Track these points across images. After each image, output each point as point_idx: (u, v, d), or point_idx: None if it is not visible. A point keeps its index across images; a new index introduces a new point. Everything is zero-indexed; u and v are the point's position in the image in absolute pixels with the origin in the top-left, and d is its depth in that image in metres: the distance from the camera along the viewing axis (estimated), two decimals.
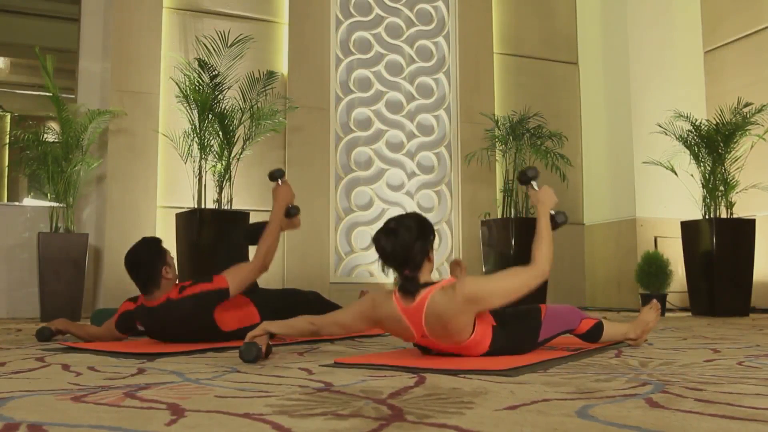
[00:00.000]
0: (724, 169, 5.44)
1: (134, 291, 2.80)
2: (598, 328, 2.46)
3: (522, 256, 5.78)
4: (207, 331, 2.74)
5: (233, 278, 2.71)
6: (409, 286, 2.06)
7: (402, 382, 1.66)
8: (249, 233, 3.29)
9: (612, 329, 2.51)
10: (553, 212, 2.32)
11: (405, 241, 2.06)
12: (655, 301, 2.73)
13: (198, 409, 1.30)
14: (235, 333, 2.79)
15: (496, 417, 1.21)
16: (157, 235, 5.32)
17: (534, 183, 2.34)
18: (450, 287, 2.03)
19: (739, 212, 5.51)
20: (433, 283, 2.09)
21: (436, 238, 5.59)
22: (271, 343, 2.23)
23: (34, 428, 1.12)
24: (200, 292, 2.67)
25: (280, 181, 2.92)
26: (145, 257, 2.69)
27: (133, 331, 2.85)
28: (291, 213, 3.00)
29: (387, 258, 2.09)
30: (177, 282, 2.82)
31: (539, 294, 5.41)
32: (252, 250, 2.99)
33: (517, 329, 2.23)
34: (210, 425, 1.16)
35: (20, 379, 1.76)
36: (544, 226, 2.26)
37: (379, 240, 2.09)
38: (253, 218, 5.00)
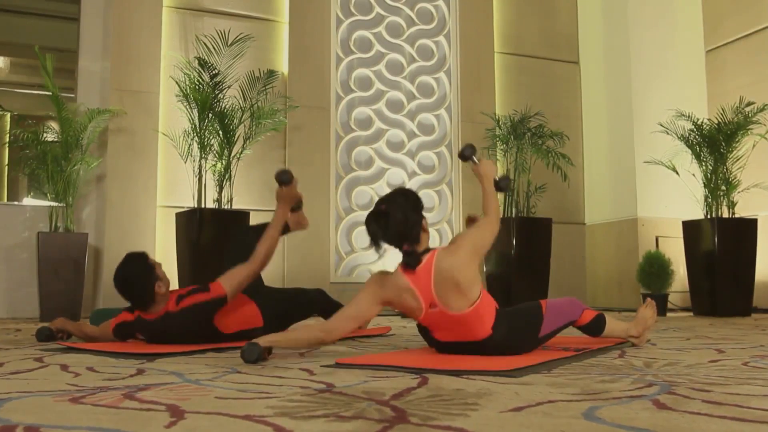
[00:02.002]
0: (726, 169, 5.43)
1: None
2: (600, 320, 2.46)
3: (523, 256, 5.78)
4: (208, 336, 2.72)
5: (230, 283, 2.67)
6: (411, 260, 2.13)
7: (404, 382, 1.64)
8: (259, 232, 3.24)
9: (614, 324, 2.51)
10: (496, 178, 2.48)
11: (398, 220, 2.14)
12: (649, 299, 2.74)
13: (198, 410, 1.28)
14: (237, 335, 2.77)
15: (502, 419, 1.19)
16: (157, 235, 5.35)
17: (474, 158, 2.49)
18: (451, 243, 2.21)
19: (740, 212, 5.49)
20: (433, 248, 2.19)
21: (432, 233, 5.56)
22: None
23: (30, 430, 1.10)
24: (198, 303, 2.63)
25: (284, 186, 2.85)
26: (135, 278, 2.61)
27: (131, 338, 2.82)
28: (294, 208, 2.97)
29: (383, 240, 2.14)
30: (170, 290, 2.76)
31: (541, 294, 5.40)
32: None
33: (519, 323, 2.23)
34: (210, 427, 1.14)
35: (18, 380, 1.74)
36: (489, 190, 2.44)
37: (371, 224, 2.17)
38: (253, 218, 4.98)
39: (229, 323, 2.76)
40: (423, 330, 2.27)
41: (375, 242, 2.17)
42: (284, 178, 2.81)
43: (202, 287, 2.69)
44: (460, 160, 2.56)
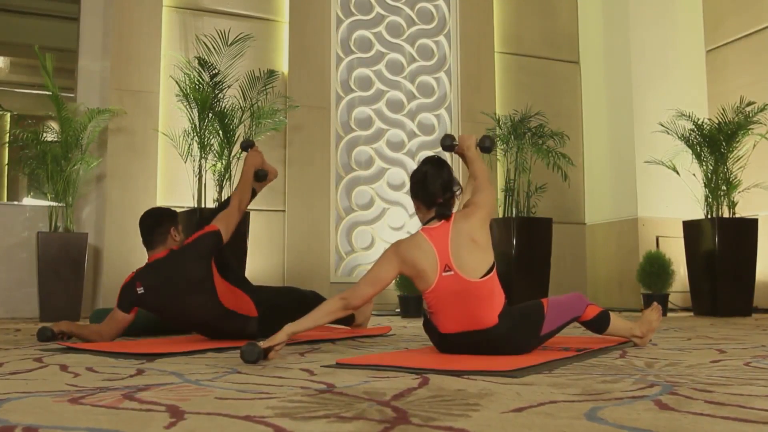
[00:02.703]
0: (727, 169, 5.42)
1: None
2: (604, 316, 2.46)
3: (523, 256, 5.77)
4: (206, 294, 2.78)
5: (219, 222, 2.94)
6: (446, 210, 2.27)
7: (405, 383, 1.63)
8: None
9: (618, 322, 2.51)
10: (477, 143, 2.55)
11: (450, 173, 2.36)
12: (656, 303, 2.74)
13: (198, 411, 1.28)
14: (233, 314, 2.85)
15: (503, 419, 1.19)
16: None
17: (455, 144, 2.58)
18: (465, 206, 2.36)
19: (741, 212, 5.48)
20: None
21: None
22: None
23: (29, 431, 1.10)
24: (196, 238, 2.87)
25: (249, 150, 3.31)
26: (158, 214, 2.97)
27: (133, 303, 2.82)
28: (260, 176, 3.31)
29: (435, 186, 2.29)
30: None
31: (541, 293, 5.39)
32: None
33: (522, 320, 2.25)
34: (210, 428, 1.13)
35: (17, 380, 1.73)
36: (474, 156, 2.53)
37: (427, 170, 2.33)
38: (253, 218, 4.99)
39: (226, 294, 2.87)
40: (428, 324, 2.28)
41: (428, 188, 2.29)
42: (246, 144, 3.33)
43: (196, 232, 2.95)
44: (444, 151, 2.61)
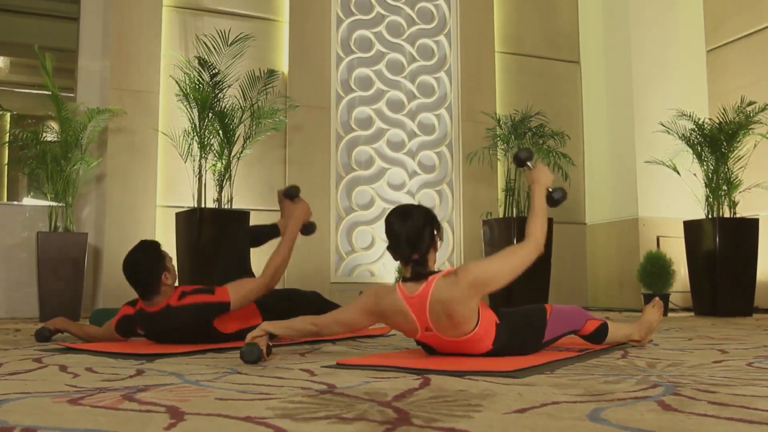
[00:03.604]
0: (727, 169, 5.41)
1: (134, 292, 2.76)
2: (603, 329, 2.42)
3: None
4: (207, 336, 2.71)
5: (236, 293, 2.64)
6: (419, 269, 2.07)
7: (406, 383, 1.62)
8: (253, 235, 3.23)
9: (616, 331, 2.47)
10: (550, 189, 2.26)
11: (417, 225, 2.10)
12: (657, 299, 2.70)
13: (198, 412, 1.27)
14: (237, 334, 2.75)
15: (506, 421, 1.18)
16: (157, 235, 5.33)
17: (529, 164, 2.31)
18: (453, 273, 2.05)
19: (742, 212, 5.48)
20: (437, 271, 2.10)
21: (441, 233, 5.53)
22: (271, 344, 2.19)
23: None
24: (200, 303, 2.61)
25: (295, 200, 2.91)
26: (144, 263, 2.62)
27: (132, 335, 2.82)
28: (309, 230, 2.98)
29: (399, 240, 2.10)
30: (177, 285, 2.78)
31: (541, 294, 5.38)
32: (258, 263, 2.94)
33: (521, 328, 2.19)
34: (210, 429, 1.12)
35: (16, 381, 1.73)
36: (538, 202, 2.22)
37: (392, 222, 2.13)
38: (254, 218, 4.97)
39: (228, 322, 2.75)
40: (421, 344, 2.24)
41: (393, 243, 2.12)
42: (293, 192, 2.86)
43: (208, 288, 2.66)
44: (515, 165, 2.36)
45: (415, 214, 2.12)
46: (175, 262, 4.95)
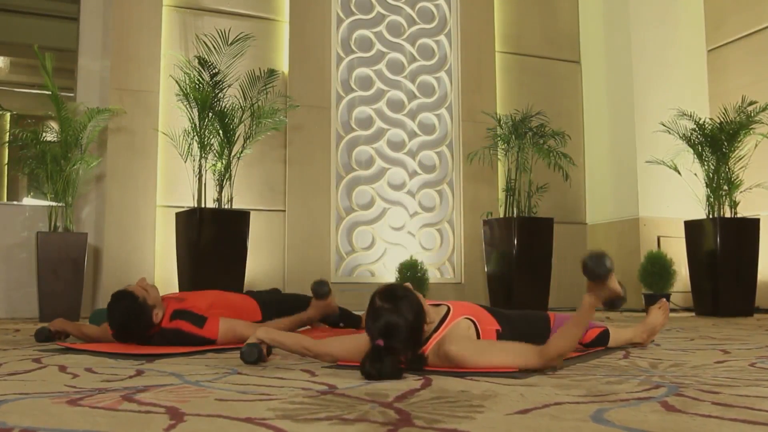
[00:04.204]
0: (728, 168, 5.40)
1: None
2: (604, 336, 2.40)
3: (524, 256, 5.74)
4: (205, 342, 2.70)
5: (225, 334, 2.63)
6: (418, 364, 1.87)
7: (407, 384, 1.61)
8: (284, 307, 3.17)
9: (618, 336, 2.45)
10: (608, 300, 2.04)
11: (404, 336, 1.82)
12: (664, 300, 2.67)
13: (198, 413, 1.26)
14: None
15: (509, 422, 1.17)
16: (157, 235, 5.32)
17: (593, 275, 1.76)
18: (439, 344, 1.90)
19: (743, 212, 5.46)
20: (433, 332, 1.94)
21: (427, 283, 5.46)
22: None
23: None
24: (186, 332, 2.61)
25: (324, 299, 2.89)
26: (133, 322, 2.57)
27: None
28: (330, 323, 3.05)
29: (373, 332, 1.83)
30: (170, 295, 2.76)
31: (542, 294, 5.38)
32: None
33: (524, 336, 2.15)
34: (210, 430, 1.11)
35: (15, 381, 1.72)
36: (584, 316, 1.86)
37: (379, 349, 1.79)
38: (253, 217, 4.97)
39: (230, 336, 2.70)
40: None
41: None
42: (323, 291, 2.82)
43: (198, 319, 2.64)
44: (587, 277, 1.78)
45: (394, 324, 1.81)
46: (174, 263, 4.97)
